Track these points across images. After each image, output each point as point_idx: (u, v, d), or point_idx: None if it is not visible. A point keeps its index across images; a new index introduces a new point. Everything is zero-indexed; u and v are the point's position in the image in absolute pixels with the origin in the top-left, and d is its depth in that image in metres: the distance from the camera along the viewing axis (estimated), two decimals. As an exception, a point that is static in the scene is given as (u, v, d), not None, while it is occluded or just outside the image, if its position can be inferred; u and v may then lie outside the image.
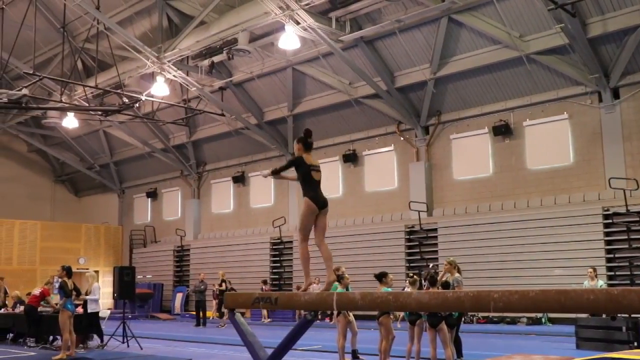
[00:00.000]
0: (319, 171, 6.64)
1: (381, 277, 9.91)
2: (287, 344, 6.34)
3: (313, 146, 6.71)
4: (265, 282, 22.39)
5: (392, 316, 10.48)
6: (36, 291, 14.44)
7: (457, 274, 10.37)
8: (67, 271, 11.98)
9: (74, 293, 12.06)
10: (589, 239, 17.05)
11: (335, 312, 11.03)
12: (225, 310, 20.58)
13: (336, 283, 10.91)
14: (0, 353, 12.71)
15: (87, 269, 28.88)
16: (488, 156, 20.02)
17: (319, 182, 6.61)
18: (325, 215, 6.52)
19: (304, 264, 6.55)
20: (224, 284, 20.86)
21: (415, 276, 10.56)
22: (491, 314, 18.09)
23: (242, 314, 6.93)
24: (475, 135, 20.25)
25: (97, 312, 13.56)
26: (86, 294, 13.22)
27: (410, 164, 21.52)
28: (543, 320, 17.70)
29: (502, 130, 19.43)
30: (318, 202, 6.45)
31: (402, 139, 21.87)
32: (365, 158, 22.91)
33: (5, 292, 17.34)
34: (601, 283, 13.72)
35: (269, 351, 6.43)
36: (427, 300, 5.16)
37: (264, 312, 22.06)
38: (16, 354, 12.64)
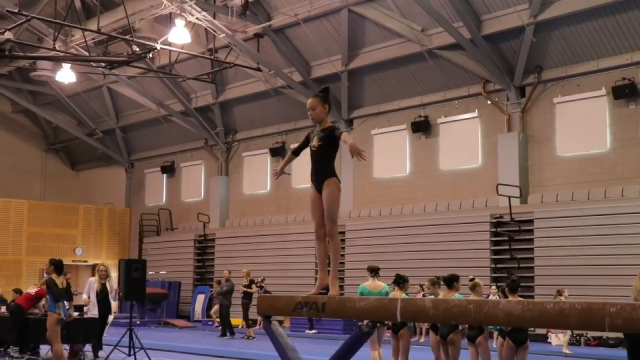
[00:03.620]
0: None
1: (452, 281, 9.94)
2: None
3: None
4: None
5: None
6: (32, 290, 14.76)
7: None
8: (56, 266, 11.92)
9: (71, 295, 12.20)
10: None
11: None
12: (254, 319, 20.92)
13: (386, 286, 10.90)
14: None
15: (85, 261, 29.68)
16: (605, 126, 19.65)
17: None
18: None
19: (338, 259, 6.57)
20: (254, 286, 20.97)
21: (495, 286, 10.41)
22: (606, 334, 17.77)
23: (280, 323, 6.96)
24: (588, 99, 19.90)
25: (95, 318, 13.69)
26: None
27: (499, 135, 21.31)
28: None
29: (626, 92, 18.98)
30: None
31: (489, 102, 21.64)
32: (441, 127, 22.77)
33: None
34: None
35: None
36: (519, 313, 5.06)
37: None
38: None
